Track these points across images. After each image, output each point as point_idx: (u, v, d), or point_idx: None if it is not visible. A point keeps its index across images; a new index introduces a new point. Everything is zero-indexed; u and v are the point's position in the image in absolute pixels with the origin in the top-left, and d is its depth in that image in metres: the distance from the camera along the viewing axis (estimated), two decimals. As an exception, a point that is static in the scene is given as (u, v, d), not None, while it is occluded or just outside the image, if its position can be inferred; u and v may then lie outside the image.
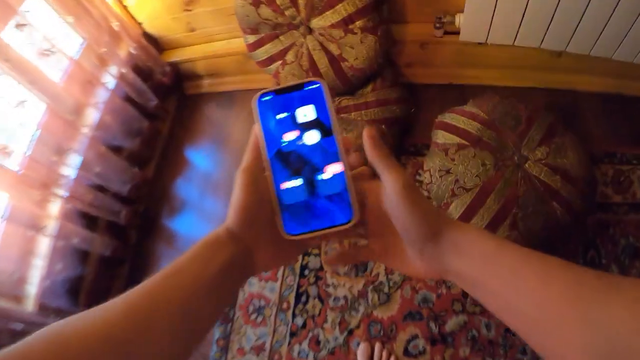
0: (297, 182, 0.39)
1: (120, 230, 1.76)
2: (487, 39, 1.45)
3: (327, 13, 1.36)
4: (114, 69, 1.68)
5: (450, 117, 1.42)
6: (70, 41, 1.58)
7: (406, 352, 1.38)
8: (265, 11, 1.41)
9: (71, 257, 1.58)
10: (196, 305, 0.36)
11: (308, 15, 1.40)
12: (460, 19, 1.42)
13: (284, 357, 1.45)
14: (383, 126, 1.46)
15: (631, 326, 0.27)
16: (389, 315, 1.42)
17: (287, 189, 0.39)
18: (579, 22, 1.29)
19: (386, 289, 1.45)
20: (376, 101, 1.49)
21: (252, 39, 1.52)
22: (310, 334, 1.46)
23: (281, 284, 1.56)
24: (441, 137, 1.41)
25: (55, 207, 1.56)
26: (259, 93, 0.40)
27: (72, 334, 0.31)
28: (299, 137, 0.39)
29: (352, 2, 1.33)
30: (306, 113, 0.39)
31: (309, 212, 0.39)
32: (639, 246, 1.43)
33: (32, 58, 1.42)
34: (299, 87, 0.40)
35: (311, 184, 0.39)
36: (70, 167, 1.58)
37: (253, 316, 1.55)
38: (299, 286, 1.54)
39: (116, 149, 1.72)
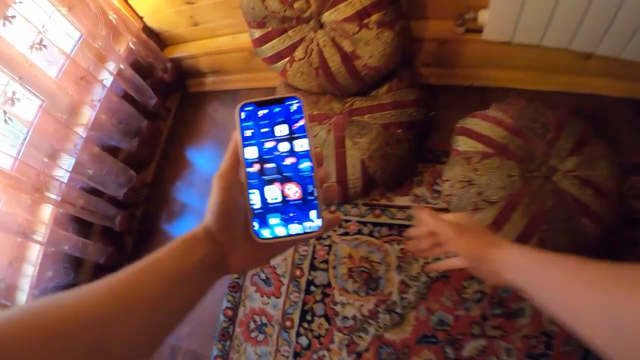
0: (271, 189, 0.41)
1: (115, 236, 1.67)
2: (512, 38, 1.32)
3: (340, 6, 1.24)
4: (111, 65, 1.58)
5: (472, 123, 1.29)
6: (64, 35, 1.47)
7: (420, 379, 1.25)
8: (273, 3, 1.29)
9: (62, 264, 1.50)
10: (171, 296, 0.38)
11: (319, 8, 1.28)
12: (484, 16, 1.30)
13: (286, 380, 1.33)
14: (399, 131, 1.34)
15: None
16: (402, 337, 1.29)
17: (260, 195, 0.42)
18: (612, 22, 1.16)
19: (399, 309, 1.33)
20: (392, 103, 1.36)
21: (258, 33, 1.41)
22: (315, 356, 1.34)
23: (285, 300, 1.44)
24: (463, 144, 1.29)
25: (46, 212, 1.48)
26: (242, 103, 0.42)
27: (54, 312, 0.32)
28: (275, 148, 0.42)
29: (367, -6, 1.21)
30: (284, 126, 0.42)
31: (280, 219, 0.41)
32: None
33: (25, 52, 1.32)
34: (279, 101, 0.42)
35: (284, 192, 0.41)
36: (63, 169, 1.48)
37: (254, 334, 1.43)
38: (304, 303, 1.42)
39: (113, 150, 1.63)
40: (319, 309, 1.40)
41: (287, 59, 1.41)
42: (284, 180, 0.42)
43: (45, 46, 1.31)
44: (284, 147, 0.42)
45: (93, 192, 1.56)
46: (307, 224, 0.42)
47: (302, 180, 0.42)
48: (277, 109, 0.43)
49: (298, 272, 1.47)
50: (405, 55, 1.43)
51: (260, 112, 0.42)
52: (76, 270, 1.53)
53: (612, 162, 1.18)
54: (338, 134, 1.35)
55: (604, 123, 1.48)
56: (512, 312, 1.23)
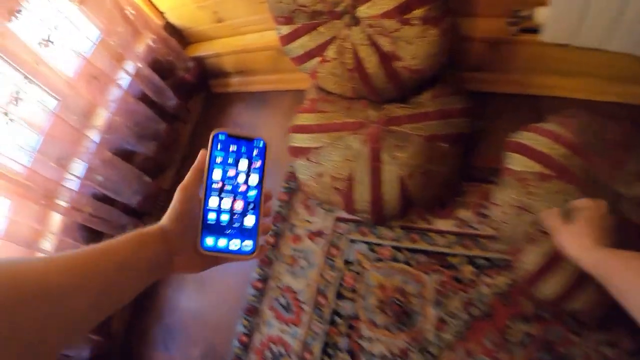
0: (222, 207, 0.49)
1: None
2: (573, 40, 1.16)
3: None
4: (128, 64, 1.47)
5: (528, 138, 1.11)
6: (76, 32, 1.37)
7: None
8: (302, -4, 1.14)
9: None
10: (119, 283, 0.43)
11: (354, 1, 1.12)
12: (541, 14, 1.15)
13: None
14: (445, 144, 1.15)
15: None
16: (438, 384, 1.11)
17: (212, 211, 0.49)
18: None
19: (434, 350, 1.15)
20: (437, 112, 1.18)
21: (285, 30, 1.26)
22: (338, 398, 1.17)
23: (306, 329, 1.29)
24: (517, 162, 1.10)
25: (55, 220, 1.39)
26: (218, 130, 0.50)
27: (16, 273, 0.36)
28: (235, 177, 0.50)
29: (411, -15, 1.04)
30: (246, 162, 0.50)
31: (223, 236, 0.49)
32: None
33: (33, 49, 1.22)
34: (249, 138, 0.51)
35: (232, 215, 0.49)
36: (73, 175, 1.38)
37: (270, 366, 1.28)
38: (326, 335, 1.26)
39: (128, 155, 1.52)
40: (343, 342, 1.23)
41: (318, 58, 1.26)
42: (234, 204, 0.49)
43: (52, 42, 1.21)
44: (241, 178, 0.50)
45: (105, 199, 1.46)
46: (245, 245, 0.49)
47: (249, 208, 0.49)
48: (245, 145, 0.50)
49: (322, 300, 1.30)
50: (451, 57, 1.27)
51: (232, 146, 0.50)
52: None
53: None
54: (374, 145, 1.18)
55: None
56: (562, 356, 1.06)
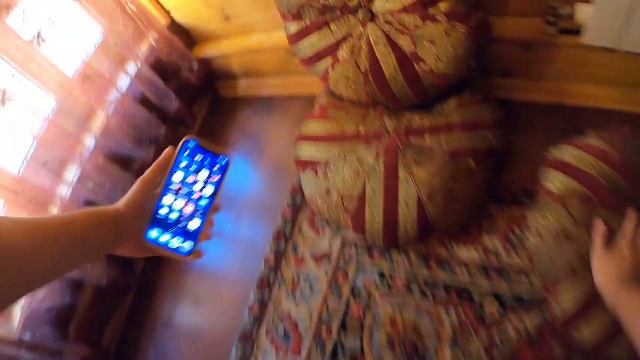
0: (173, 207, 0.52)
1: (122, 256, 1.45)
2: (620, 44, 1.04)
3: None
4: (129, 65, 1.37)
5: (570, 153, 0.98)
6: (77, 31, 1.28)
7: None
8: (312, -12, 1.01)
9: (56, 286, 1.32)
10: (73, 253, 0.47)
11: (371, -6, 0.98)
12: (584, 13, 1.03)
13: None
14: (471, 160, 1.00)
15: None
16: None
17: (165, 207, 0.52)
18: None
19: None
20: (463, 123, 1.04)
21: (294, 27, 1.14)
22: None
23: (306, 364, 1.14)
24: (557, 182, 0.96)
25: None
26: (189, 137, 0.53)
27: None
28: (192, 184, 0.53)
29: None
30: (206, 173, 0.53)
31: (167, 233, 0.52)
32: None
33: (23, 47, 1.13)
34: (216, 152, 0.54)
35: (181, 216, 0.53)
36: (65, 181, 1.29)
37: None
38: (328, 372, 1.11)
39: (124, 160, 1.42)
40: (346, 382, 1.09)
41: (330, 60, 1.14)
42: (185, 207, 0.53)
43: (43, 40, 1.12)
44: (198, 186, 0.53)
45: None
46: (184, 246, 0.53)
47: (197, 214, 0.53)
48: (210, 157, 0.54)
49: (325, 331, 1.16)
50: (480, 60, 1.15)
51: (198, 155, 0.53)
52: (74, 291, 1.36)
53: None
54: (390, 160, 1.04)
55: None
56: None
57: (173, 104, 1.49)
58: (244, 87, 1.67)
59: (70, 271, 0.47)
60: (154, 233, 0.51)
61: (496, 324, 1.02)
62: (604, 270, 0.72)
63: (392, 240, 1.06)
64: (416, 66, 1.01)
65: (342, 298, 1.17)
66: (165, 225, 0.52)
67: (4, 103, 1.12)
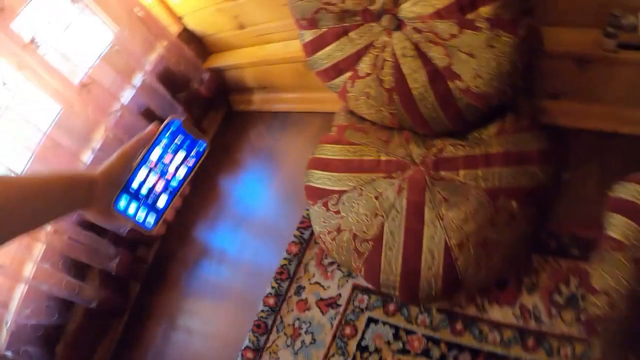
0: (146, 182, 0.54)
1: (118, 278, 1.38)
2: None
3: None
4: (134, 75, 1.27)
5: (635, 192, 0.80)
6: (78, 39, 1.19)
7: None
8: (328, -11, 0.86)
9: (45, 303, 1.25)
10: (46, 212, 0.49)
11: (397, -3, 0.82)
12: None
13: None
14: (513, 203, 0.81)
15: None
16: None
17: (137, 180, 0.53)
18: None
19: None
20: (505, 155, 0.86)
21: (309, 35, 1.00)
22: None
23: None
24: (623, 228, 0.78)
25: (37, 248, 1.23)
26: (174, 117, 0.53)
27: None
28: (168, 164, 0.54)
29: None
30: (183, 154, 0.54)
31: (136, 204, 0.53)
32: None
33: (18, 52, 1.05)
34: (197, 136, 0.54)
35: (151, 191, 0.54)
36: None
37: None
38: None
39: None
40: None
41: (349, 73, 0.98)
42: (157, 182, 0.54)
43: (38, 46, 1.03)
44: (173, 166, 0.54)
45: (92, 227, 1.27)
46: (148, 220, 0.54)
47: (166, 192, 0.55)
48: (190, 140, 0.54)
49: (328, 395, 0.98)
50: (527, 78, 1.00)
51: (179, 137, 0.53)
52: (63, 310, 1.30)
53: None
54: (414, 197, 0.86)
55: None
56: None
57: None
58: (258, 100, 1.57)
59: (35, 229, 0.50)
60: (122, 203, 0.52)
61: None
62: None
63: (410, 294, 0.87)
64: (450, 83, 0.84)
65: (347, 356, 0.99)
66: (134, 197, 0.53)
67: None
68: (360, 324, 1.02)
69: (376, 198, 0.91)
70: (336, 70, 1.00)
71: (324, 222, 0.96)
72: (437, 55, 0.84)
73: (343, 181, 0.97)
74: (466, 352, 0.91)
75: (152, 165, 0.53)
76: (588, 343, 0.85)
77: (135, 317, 1.42)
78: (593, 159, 1.08)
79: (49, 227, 1.20)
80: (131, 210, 0.53)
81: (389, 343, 0.98)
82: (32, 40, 1.08)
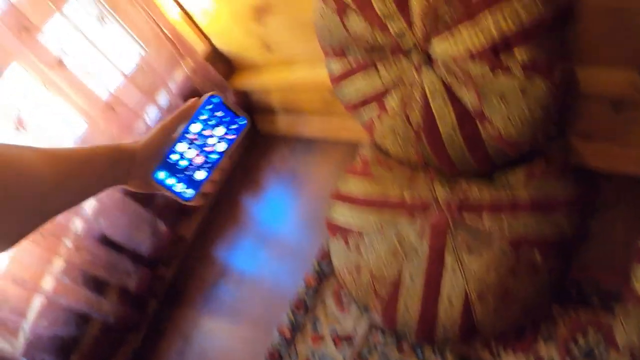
0: (185, 155, 0.54)
1: (135, 295, 1.37)
2: None
3: (463, 30, 0.75)
4: (159, 95, 1.28)
5: None
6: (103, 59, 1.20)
7: None
8: (357, 23, 0.85)
9: (61, 316, 1.25)
10: (90, 190, 0.49)
11: (427, 33, 0.80)
12: None
13: None
14: (537, 253, 0.77)
15: None
16: None
17: (177, 153, 0.54)
18: None
19: None
20: (532, 202, 0.82)
21: (336, 65, 0.98)
22: None
23: None
24: None
25: (57, 263, 1.23)
26: (214, 93, 0.55)
27: (11, 160, 0.39)
28: (207, 137, 0.55)
29: (510, 12, 0.70)
30: (222, 129, 0.56)
31: (174, 177, 0.54)
32: None
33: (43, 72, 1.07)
34: (236, 114, 0.56)
35: (190, 164, 0.55)
36: (81, 215, 1.21)
37: None
38: None
39: (146, 196, 1.31)
40: None
41: (376, 108, 0.96)
42: (196, 155, 0.55)
43: (65, 64, 1.04)
44: (212, 140, 0.55)
45: (111, 245, 1.27)
46: (187, 192, 0.56)
47: (205, 166, 0.56)
48: (231, 116, 0.56)
49: None
50: (560, 119, 0.91)
51: (219, 112, 0.55)
52: (80, 323, 1.30)
53: None
54: (436, 241, 0.83)
55: None
56: None
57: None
58: (283, 123, 1.54)
59: (80, 203, 0.49)
60: (161, 174, 0.53)
61: None
62: None
63: (426, 338, 0.84)
64: (480, 126, 0.80)
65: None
66: (173, 169, 0.54)
67: (19, 128, 1.05)
68: (375, 362, 0.99)
69: (397, 238, 0.87)
70: (364, 103, 0.96)
71: (343, 258, 0.94)
72: (468, 96, 0.80)
73: (364, 218, 0.93)
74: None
75: (192, 138, 0.53)
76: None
77: (152, 333, 1.42)
78: (623, 203, 1.02)
79: (69, 244, 1.23)
80: (169, 181, 0.54)
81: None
82: (59, 59, 1.09)
